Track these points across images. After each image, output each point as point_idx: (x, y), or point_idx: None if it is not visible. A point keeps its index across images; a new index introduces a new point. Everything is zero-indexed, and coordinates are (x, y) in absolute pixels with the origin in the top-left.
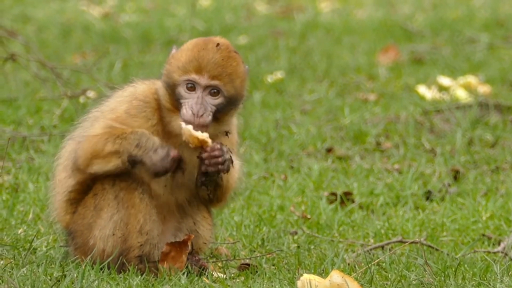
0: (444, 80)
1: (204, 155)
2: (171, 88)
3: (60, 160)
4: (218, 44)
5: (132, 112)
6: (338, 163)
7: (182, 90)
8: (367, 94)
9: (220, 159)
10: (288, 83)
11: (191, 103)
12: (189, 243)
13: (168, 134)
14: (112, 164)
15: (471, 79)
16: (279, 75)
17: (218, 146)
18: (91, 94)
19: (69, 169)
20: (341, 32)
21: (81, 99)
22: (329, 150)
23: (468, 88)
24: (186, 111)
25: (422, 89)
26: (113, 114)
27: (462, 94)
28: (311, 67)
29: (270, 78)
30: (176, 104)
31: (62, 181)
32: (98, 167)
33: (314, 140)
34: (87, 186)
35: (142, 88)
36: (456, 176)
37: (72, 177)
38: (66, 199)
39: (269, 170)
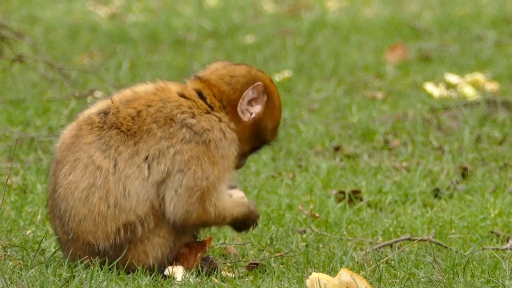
0: (452, 78)
1: None
2: (259, 141)
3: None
4: None
5: (225, 154)
6: (346, 162)
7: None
8: (374, 92)
9: None
10: (296, 82)
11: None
12: (208, 245)
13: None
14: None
15: (479, 77)
16: (286, 74)
17: None
18: (98, 94)
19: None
20: (348, 31)
21: (89, 100)
22: (337, 149)
23: (475, 85)
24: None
25: (429, 87)
26: (215, 169)
27: (469, 92)
28: (318, 65)
29: (277, 77)
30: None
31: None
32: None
33: (322, 139)
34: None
35: (222, 126)
36: (464, 173)
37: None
38: (123, 225)
39: (277, 169)
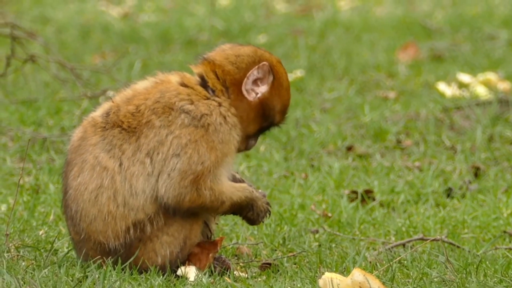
0: (464, 77)
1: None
2: (267, 121)
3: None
4: None
5: (224, 138)
6: (358, 161)
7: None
8: (387, 92)
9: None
10: (308, 81)
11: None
12: (220, 245)
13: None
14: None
15: (491, 76)
16: (298, 73)
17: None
18: (111, 94)
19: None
20: (360, 30)
21: (101, 100)
22: (349, 148)
23: (488, 84)
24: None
25: (442, 86)
26: (212, 154)
27: (482, 91)
28: (330, 65)
29: (289, 77)
30: (253, 128)
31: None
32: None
33: (334, 138)
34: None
35: (222, 110)
36: (476, 173)
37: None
38: (132, 224)
39: (289, 169)
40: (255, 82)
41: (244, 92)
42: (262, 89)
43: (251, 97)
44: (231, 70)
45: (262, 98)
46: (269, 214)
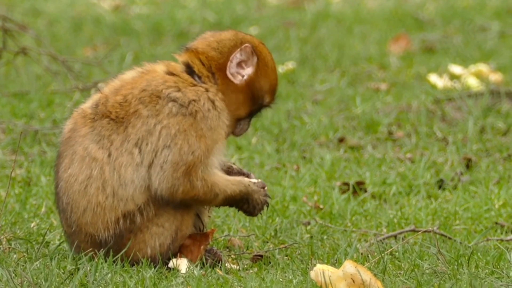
0: (456, 69)
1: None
2: (256, 103)
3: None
4: None
5: (213, 125)
6: (350, 153)
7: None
8: (378, 84)
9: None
10: (300, 73)
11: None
12: (211, 237)
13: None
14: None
15: (483, 67)
16: (290, 65)
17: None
18: (102, 86)
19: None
20: (352, 22)
21: (93, 92)
22: (341, 140)
23: (479, 76)
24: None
25: (433, 78)
26: (202, 142)
27: (473, 82)
28: (322, 57)
29: (281, 69)
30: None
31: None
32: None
33: (326, 130)
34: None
35: (210, 95)
36: (468, 164)
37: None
38: (122, 215)
39: (281, 160)
40: (240, 64)
41: (230, 76)
42: (248, 71)
43: (238, 80)
44: (214, 55)
45: (249, 80)
46: (267, 206)
